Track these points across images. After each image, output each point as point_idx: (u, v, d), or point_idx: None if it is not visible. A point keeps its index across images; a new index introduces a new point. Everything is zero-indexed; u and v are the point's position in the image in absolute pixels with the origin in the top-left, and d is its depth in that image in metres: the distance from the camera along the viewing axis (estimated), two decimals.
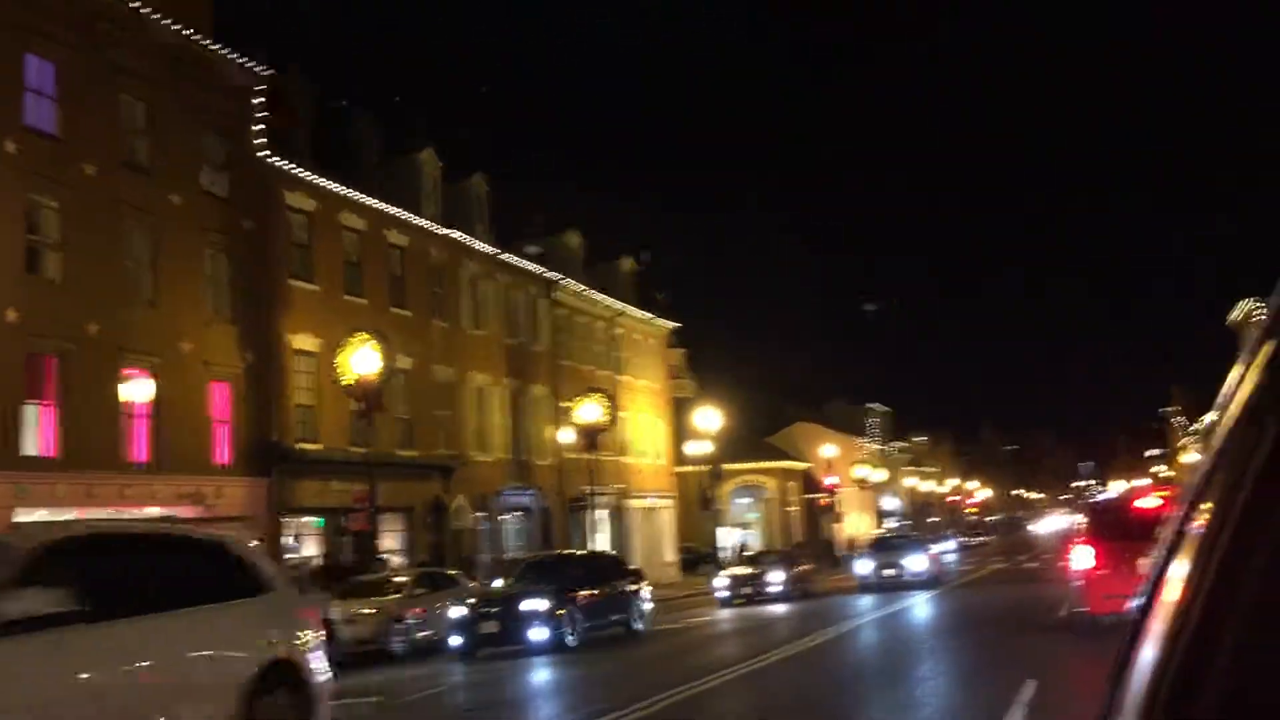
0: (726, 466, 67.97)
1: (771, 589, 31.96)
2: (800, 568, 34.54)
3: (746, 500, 70.70)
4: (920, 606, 27.42)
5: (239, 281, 27.80)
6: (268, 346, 28.40)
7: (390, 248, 33.61)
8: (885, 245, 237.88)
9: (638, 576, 23.95)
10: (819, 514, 72.23)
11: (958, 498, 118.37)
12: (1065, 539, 36.47)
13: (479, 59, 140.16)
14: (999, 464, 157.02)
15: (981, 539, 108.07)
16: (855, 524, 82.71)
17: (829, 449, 71.18)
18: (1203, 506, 0.95)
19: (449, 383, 35.17)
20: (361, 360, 26.37)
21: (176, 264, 26.01)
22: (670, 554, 50.90)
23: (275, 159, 29.01)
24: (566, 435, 38.71)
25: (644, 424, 49.94)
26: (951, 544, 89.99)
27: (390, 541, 31.43)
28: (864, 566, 34.22)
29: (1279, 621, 0.82)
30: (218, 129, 27.60)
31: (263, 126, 28.70)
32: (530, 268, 40.57)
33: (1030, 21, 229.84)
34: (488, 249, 37.93)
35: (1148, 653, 0.96)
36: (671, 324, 53.08)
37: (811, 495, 74.31)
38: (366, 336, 26.71)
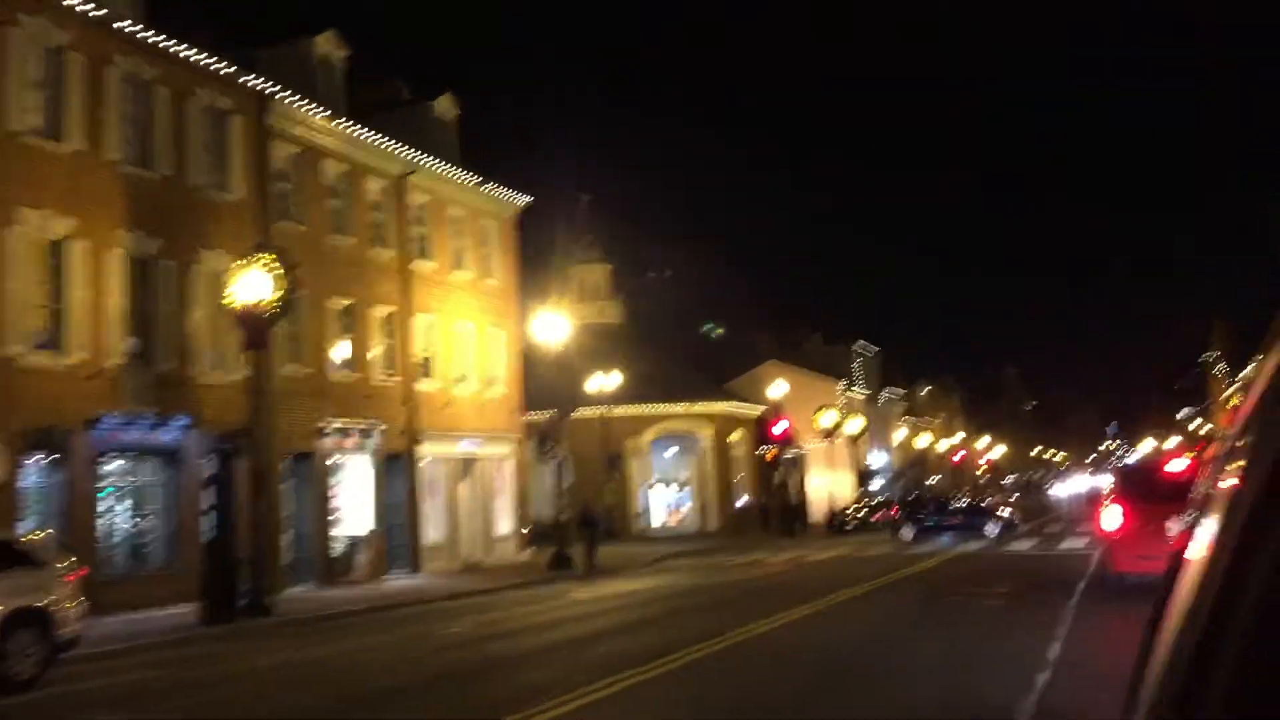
0: (645, 409, 52.84)
1: None
2: None
3: (672, 453, 55.13)
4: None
5: None
6: None
7: None
8: (901, 180, 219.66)
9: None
10: (774, 469, 56.45)
11: (963, 455, 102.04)
12: (1091, 502, 37.47)
13: None
14: (1018, 420, 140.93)
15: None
16: (836, 483, 67.00)
17: (779, 387, 55.32)
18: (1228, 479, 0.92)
19: None
20: None
21: None
22: (507, 524, 35.32)
23: None
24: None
25: (468, 340, 34.29)
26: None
27: None
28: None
29: None
30: None
31: None
32: (219, 67, 24.78)
33: None
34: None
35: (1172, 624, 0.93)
36: (521, 198, 37.11)
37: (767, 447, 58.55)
38: None
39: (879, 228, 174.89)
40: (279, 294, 20.90)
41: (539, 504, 38.19)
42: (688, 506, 55.36)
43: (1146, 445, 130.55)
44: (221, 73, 25.14)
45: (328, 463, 28.03)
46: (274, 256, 20.99)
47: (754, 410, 57.92)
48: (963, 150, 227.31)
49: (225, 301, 21.36)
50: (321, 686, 13.06)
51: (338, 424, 27.71)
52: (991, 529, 39.27)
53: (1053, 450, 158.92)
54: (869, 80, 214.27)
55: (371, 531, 28.60)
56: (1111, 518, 15.98)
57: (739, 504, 56.19)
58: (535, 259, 49.67)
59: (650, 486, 54.55)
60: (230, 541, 22.70)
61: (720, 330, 66.44)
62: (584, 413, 47.58)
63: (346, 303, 29.06)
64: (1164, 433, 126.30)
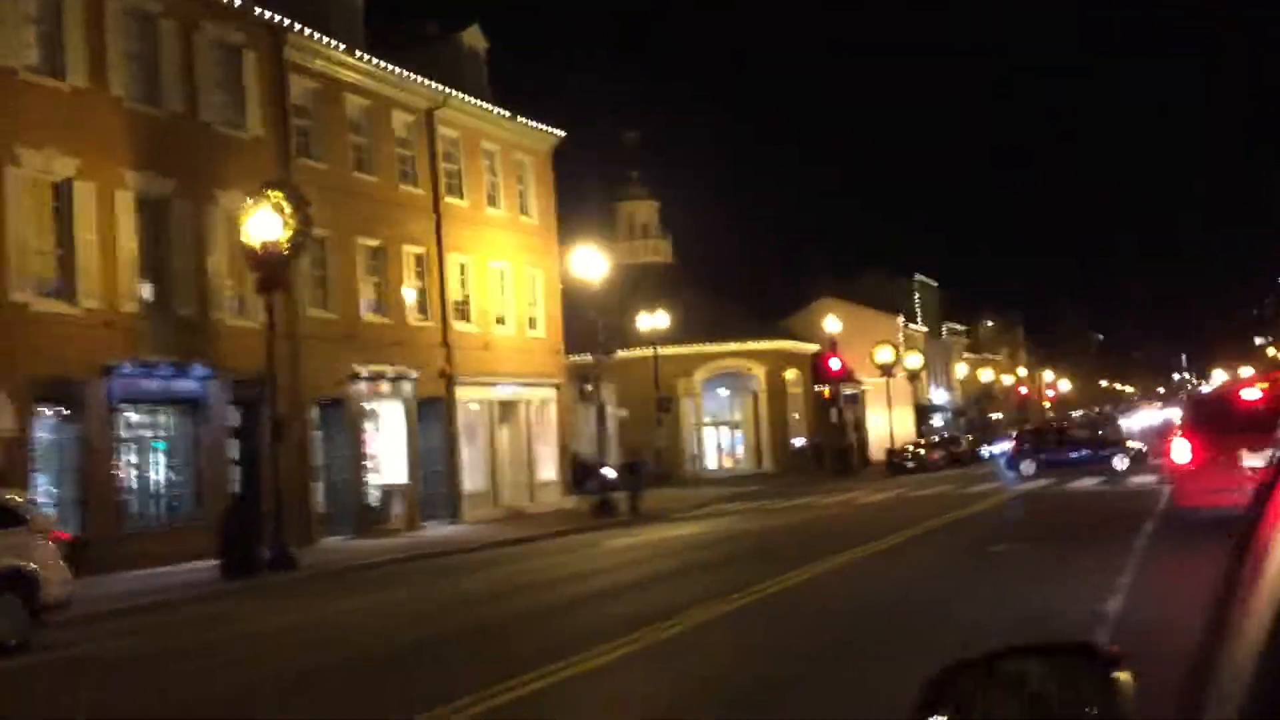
0: (696, 349, 51.52)
1: None
2: None
3: (725, 394, 53.86)
4: None
5: None
6: None
7: None
8: (909, 155, 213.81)
9: None
10: (831, 407, 54.87)
11: (1028, 390, 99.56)
12: (1161, 435, 35.59)
13: None
14: (1085, 354, 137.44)
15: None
16: (897, 420, 65.40)
17: (832, 323, 53.60)
18: None
19: None
20: None
21: None
22: (551, 469, 34.39)
23: None
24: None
25: (505, 280, 33.18)
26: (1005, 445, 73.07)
27: None
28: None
29: None
30: None
31: None
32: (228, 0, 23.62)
33: None
34: None
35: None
36: (556, 132, 35.71)
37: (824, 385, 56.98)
38: None
39: (886, 203, 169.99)
40: (290, 232, 19.91)
41: (584, 448, 37.22)
42: (740, 448, 54.15)
43: (1217, 377, 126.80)
44: (233, 5, 23.99)
45: (362, 409, 27.18)
46: (284, 194, 19.97)
47: (809, 348, 56.37)
48: (971, 124, 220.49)
49: (242, 241, 20.40)
50: (325, 650, 12.11)
51: (369, 369, 26.82)
52: (1120, 462, 34.94)
53: (1120, 383, 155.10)
54: (876, 51, 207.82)
55: (405, 480, 27.79)
56: (1181, 450, 15.20)
57: (795, 445, 54.83)
58: (576, 196, 48.51)
59: (703, 428, 53.38)
60: (254, 493, 22.00)
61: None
62: (634, 353, 46.55)
63: (375, 243, 28.04)
64: (1235, 363, 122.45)
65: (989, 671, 1.35)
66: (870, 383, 63.04)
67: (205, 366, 22.26)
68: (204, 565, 19.56)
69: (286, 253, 19.86)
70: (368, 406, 27.64)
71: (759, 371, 52.94)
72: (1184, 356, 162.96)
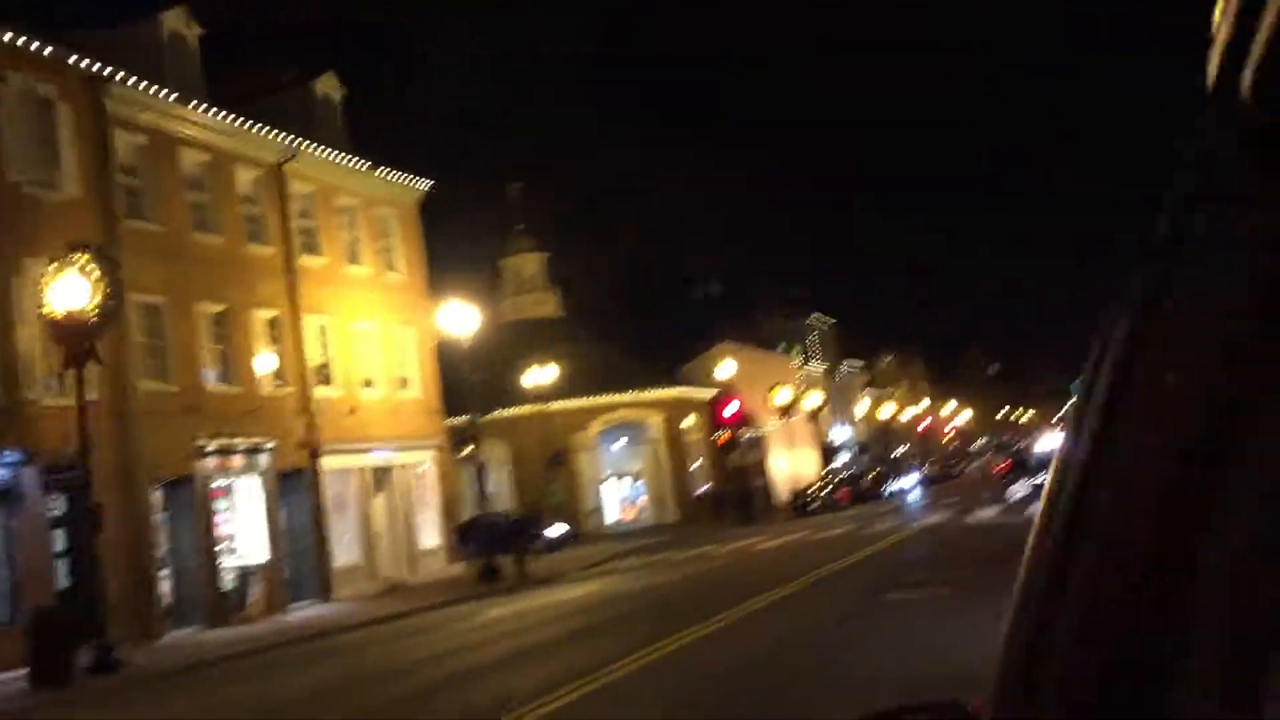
0: (589, 401, 49.98)
1: None
2: None
3: (622, 445, 52.31)
4: None
5: None
6: None
7: None
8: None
9: None
10: (730, 452, 53.66)
11: (927, 423, 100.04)
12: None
13: None
14: (983, 384, 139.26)
15: (959, 467, 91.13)
16: (800, 461, 64.55)
17: (727, 368, 52.60)
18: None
19: None
20: None
21: None
22: (433, 536, 32.35)
23: None
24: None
25: (371, 340, 31.29)
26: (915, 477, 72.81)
27: None
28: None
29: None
30: None
31: None
32: (37, 49, 21.57)
33: None
34: None
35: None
36: (421, 183, 34.09)
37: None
38: None
39: (778, 241, 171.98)
40: (99, 299, 17.89)
41: (469, 512, 35.28)
42: (643, 499, 52.59)
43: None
44: (43, 53, 21.99)
45: (211, 486, 24.97)
46: (91, 256, 17.99)
47: (707, 393, 55.22)
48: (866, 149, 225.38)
49: (44, 312, 18.30)
50: None
51: (217, 443, 24.66)
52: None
53: (1020, 410, 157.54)
54: (768, 75, 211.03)
55: (266, 560, 25.56)
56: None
57: (698, 493, 53.48)
58: (459, 251, 46.73)
59: (603, 482, 51.76)
60: (83, 588, 19.79)
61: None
62: (524, 410, 44.82)
63: (219, 308, 25.99)
64: None
65: None
66: (771, 425, 62.16)
67: (17, 451, 19.96)
68: (14, 675, 17.27)
69: (95, 321, 17.83)
70: (220, 483, 25.44)
71: (656, 420, 51.61)
72: (1079, 379, 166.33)
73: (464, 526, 29.99)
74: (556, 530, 40.33)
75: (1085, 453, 0.81)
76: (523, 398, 43.97)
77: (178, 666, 18.34)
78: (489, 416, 49.19)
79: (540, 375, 42.31)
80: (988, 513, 31.27)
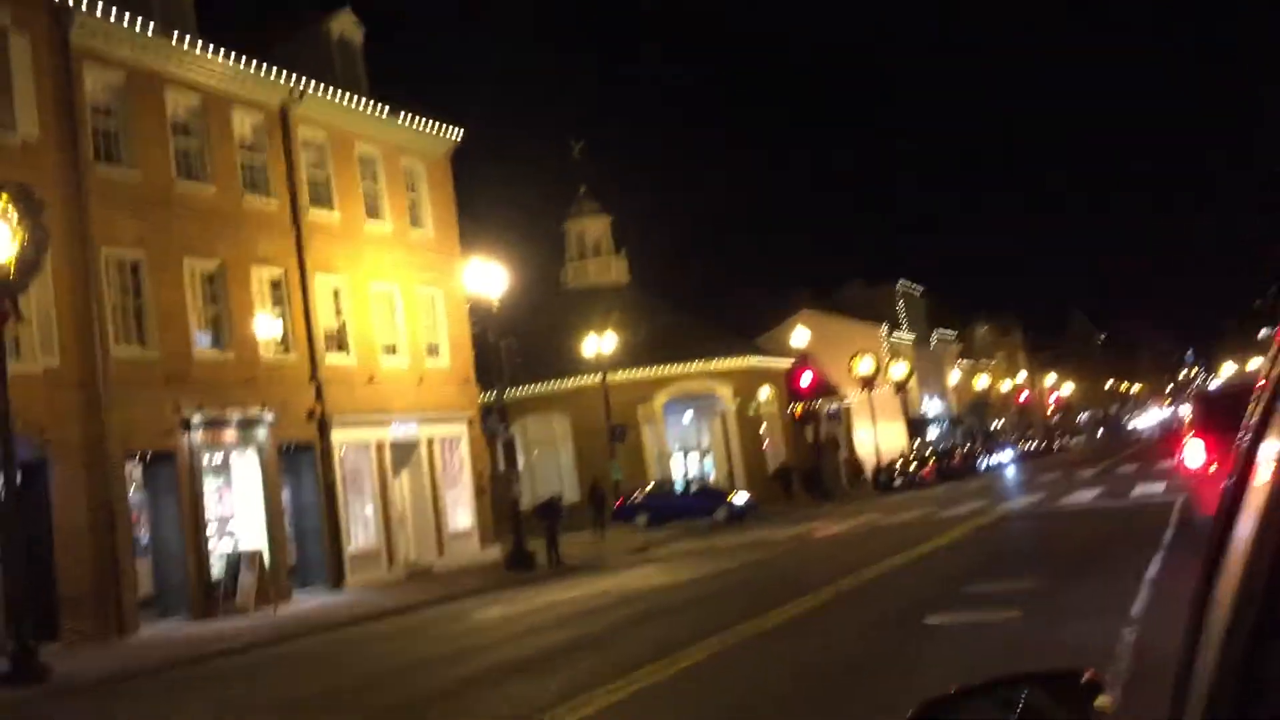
0: (653, 372, 46.80)
1: None
2: None
3: (689, 418, 49.03)
4: None
5: None
6: None
7: None
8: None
9: None
10: (805, 426, 50.08)
11: (1026, 395, 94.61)
12: (1169, 436, 35.73)
13: None
14: (1088, 356, 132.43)
15: (1059, 443, 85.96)
16: (886, 435, 60.49)
17: (800, 336, 48.90)
18: None
19: None
20: None
21: None
22: (465, 517, 29.57)
23: None
24: None
25: (392, 303, 28.56)
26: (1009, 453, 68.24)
27: None
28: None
29: None
30: None
31: None
32: None
33: None
34: None
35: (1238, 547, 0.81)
36: (453, 131, 31.13)
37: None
38: None
39: (869, 209, 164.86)
40: (18, 246, 15.27)
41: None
42: (713, 475, 49.27)
43: (1227, 369, 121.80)
44: None
45: (200, 462, 22.46)
46: (9, 197, 15.37)
47: (782, 364, 51.64)
48: (957, 124, 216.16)
49: None
50: None
51: (204, 414, 22.10)
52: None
53: (1126, 383, 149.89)
54: (852, 49, 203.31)
55: (263, 545, 22.96)
56: (1194, 453, 13.58)
57: (775, 469, 49.96)
58: (525, 212, 43.83)
59: (669, 457, 48.56)
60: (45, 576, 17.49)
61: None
62: (585, 380, 41.90)
63: (211, 264, 23.40)
64: (1244, 355, 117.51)
65: (981, 697, 1.39)
66: (855, 397, 58.31)
67: None
68: None
69: (14, 275, 15.22)
70: (212, 459, 22.94)
71: (725, 392, 48.14)
72: (1190, 351, 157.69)
73: (543, 506, 27.25)
74: (741, 498, 38.43)
75: None
76: (585, 367, 41.14)
77: (116, 673, 15.74)
78: (548, 387, 46.59)
79: (602, 344, 39.42)
80: (1085, 495, 27.40)
